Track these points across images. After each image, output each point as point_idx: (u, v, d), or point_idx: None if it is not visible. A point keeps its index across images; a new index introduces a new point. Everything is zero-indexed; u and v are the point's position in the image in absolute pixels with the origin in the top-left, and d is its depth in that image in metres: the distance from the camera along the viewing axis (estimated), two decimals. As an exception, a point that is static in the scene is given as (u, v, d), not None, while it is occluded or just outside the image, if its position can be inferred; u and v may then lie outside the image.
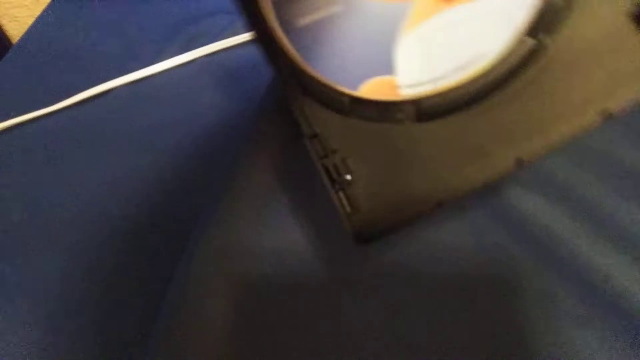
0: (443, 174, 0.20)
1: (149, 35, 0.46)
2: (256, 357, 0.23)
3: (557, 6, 0.20)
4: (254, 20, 0.20)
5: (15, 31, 0.72)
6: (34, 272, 0.28)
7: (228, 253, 0.26)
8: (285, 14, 0.19)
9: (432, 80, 0.20)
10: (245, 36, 0.43)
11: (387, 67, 0.20)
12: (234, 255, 0.26)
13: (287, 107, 0.21)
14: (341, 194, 0.20)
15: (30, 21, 0.52)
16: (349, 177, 0.20)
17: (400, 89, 0.20)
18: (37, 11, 0.53)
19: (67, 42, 0.47)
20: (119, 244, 0.28)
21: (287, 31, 0.20)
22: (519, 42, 0.20)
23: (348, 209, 0.20)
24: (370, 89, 0.20)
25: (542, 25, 0.20)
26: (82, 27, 0.49)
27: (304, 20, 0.20)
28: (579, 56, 0.20)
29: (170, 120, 0.36)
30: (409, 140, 0.20)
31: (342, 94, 0.20)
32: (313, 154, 0.20)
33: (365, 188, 0.20)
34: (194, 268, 0.25)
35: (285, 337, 0.23)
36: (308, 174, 0.30)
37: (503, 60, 0.20)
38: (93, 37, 0.47)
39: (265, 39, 0.20)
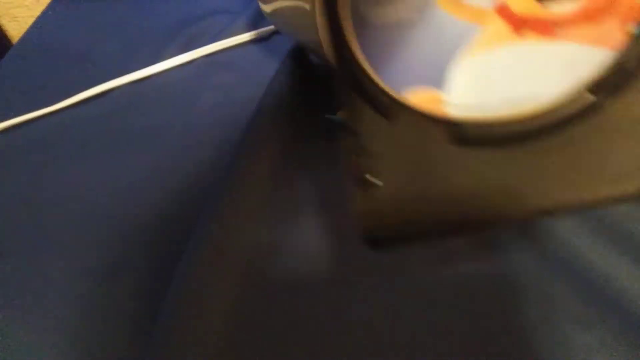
0: (467, 200, 0.20)
1: (149, 36, 0.46)
2: (256, 357, 0.23)
3: (626, 70, 0.19)
4: (329, 10, 0.20)
5: (15, 31, 0.72)
6: (34, 272, 0.28)
7: (228, 252, 0.26)
8: (359, 10, 0.20)
9: (480, 107, 0.20)
10: (245, 36, 0.43)
11: (438, 81, 0.20)
12: (233, 255, 0.26)
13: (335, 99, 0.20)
14: (362, 192, 0.20)
15: (30, 21, 0.52)
16: (374, 180, 0.20)
17: (446, 106, 0.20)
18: (37, 11, 0.53)
19: (67, 42, 0.47)
20: (119, 244, 0.28)
21: (357, 25, 0.19)
22: (578, 95, 0.19)
23: (365, 206, 0.20)
24: (416, 98, 0.20)
25: (606, 85, 0.19)
26: (82, 27, 0.49)
27: (376, 20, 0.20)
28: (634, 124, 0.19)
29: (170, 120, 0.36)
30: (443, 160, 0.20)
31: (385, 94, 0.20)
32: (346, 149, 0.20)
33: (388, 192, 0.20)
34: (194, 267, 0.25)
35: (286, 336, 0.23)
36: (308, 173, 0.30)
37: (557, 108, 0.19)
38: (93, 37, 0.47)
39: (334, 27, 0.20)
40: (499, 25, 0.19)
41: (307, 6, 0.29)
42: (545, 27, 0.19)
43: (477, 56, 0.20)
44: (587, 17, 0.19)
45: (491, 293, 0.23)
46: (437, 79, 0.20)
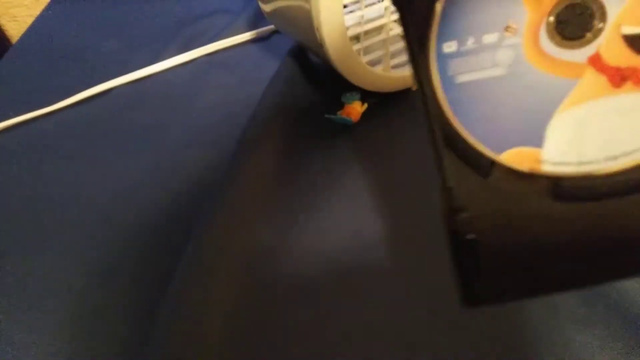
0: (570, 256, 0.20)
1: (149, 35, 0.46)
2: (256, 356, 0.23)
3: None
4: (417, 68, 0.20)
5: (15, 31, 0.72)
6: (34, 272, 0.28)
7: (228, 252, 0.26)
8: (447, 69, 0.19)
9: (578, 163, 0.19)
10: (245, 36, 0.44)
11: (535, 139, 0.19)
12: (233, 255, 0.26)
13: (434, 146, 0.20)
14: (462, 255, 0.20)
15: (29, 21, 0.52)
16: (472, 236, 0.20)
17: (543, 164, 0.19)
18: (37, 11, 0.53)
19: (66, 42, 0.47)
20: (119, 244, 0.28)
21: (445, 84, 0.19)
22: None
23: (468, 271, 0.20)
24: (512, 157, 0.20)
25: None
26: (82, 27, 0.49)
27: (465, 78, 0.19)
28: None
29: (170, 119, 0.36)
30: (540, 216, 0.20)
31: (484, 157, 0.20)
32: (441, 206, 0.20)
33: (487, 253, 0.20)
34: (194, 267, 0.25)
35: (285, 337, 0.23)
36: (308, 173, 0.30)
37: None
38: (92, 37, 0.47)
39: (422, 86, 0.20)
40: (594, 78, 0.19)
41: (307, 5, 0.29)
42: None
43: (573, 111, 0.19)
44: None
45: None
46: (533, 137, 0.19)
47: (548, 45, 0.19)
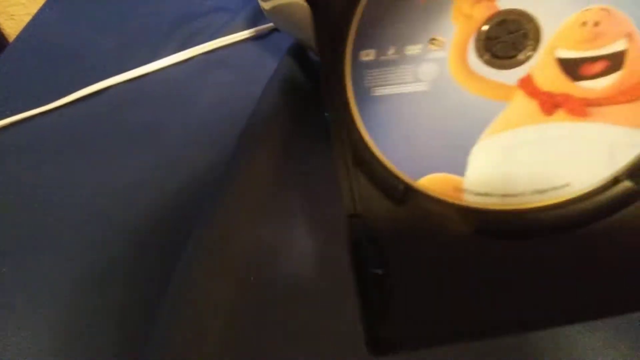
0: (489, 299, 0.17)
1: (147, 33, 0.46)
2: (256, 356, 0.23)
3: None
4: (331, 76, 0.17)
5: (12, 29, 0.71)
6: (32, 272, 0.28)
7: (227, 253, 0.25)
8: (364, 79, 0.17)
9: (503, 195, 0.18)
10: (244, 34, 0.43)
11: (456, 165, 0.18)
12: (233, 255, 0.26)
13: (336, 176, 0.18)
14: (368, 293, 0.17)
15: (27, 19, 0.51)
16: (379, 271, 0.17)
17: (464, 193, 0.18)
18: (34, 9, 0.53)
19: (63, 40, 0.47)
20: (117, 244, 0.28)
21: (360, 97, 0.17)
22: (614, 182, 0.17)
23: (372, 314, 0.17)
24: (431, 183, 0.18)
25: None
26: (79, 25, 0.49)
27: (383, 91, 0.17)
28: None
29: (168, 118, 0.36)
30: (461, 252, 0.18)
31: (399, 180, 0.18)
32: (347, 234, 0.18)
33: (398, 291, 0.18)
34: (193, 268, 0.24)
35: (286, 337, 0.23)
36: (307, 173, 0.30)
37: (589, 196, 0.17)
38: (89, 35, 0.47)
39: (333, 97, 0.17)
40: (524, 102, 0.17)
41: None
42: (576, 106, 0.17)
43: (500, 138, 0.17)
44: (624, 94, 0.17)
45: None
46: (455, 163, 0.18)
47: (476, 62, 0.17)
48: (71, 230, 0.29)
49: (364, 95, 0.18)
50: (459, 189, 0.18)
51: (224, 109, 0.36)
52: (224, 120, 0.35)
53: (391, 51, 0.17)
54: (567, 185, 0.17)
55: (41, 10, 0.52)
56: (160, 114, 0.37)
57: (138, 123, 0.36)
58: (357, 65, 0.17)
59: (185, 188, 0.30)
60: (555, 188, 0.18)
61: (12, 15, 0.71)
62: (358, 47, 0.17)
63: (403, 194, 0.18)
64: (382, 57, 0.17)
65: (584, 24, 0.17)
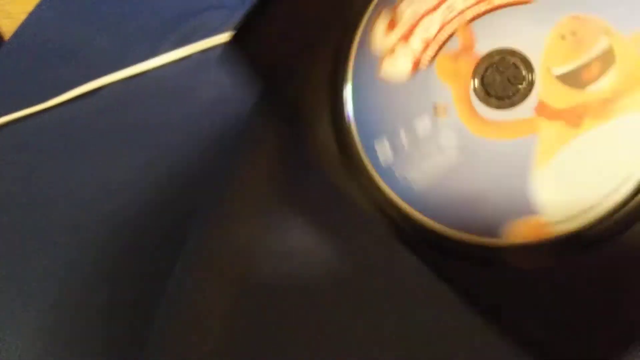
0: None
1: (144, 31, 0.46)
2: (256, 356, 0.23)
3: None
4: (365, 199, 0.18)
5: (9, 28, 0.71)
6: (29, 272, 0.28)
7: (226, 254, 0.25)
8: (393, 175, 0.18)
9: (585, 210, 0.17)
10: (242, 31, 0.43)
11: (527, 207, 0.18)
12: (232, 257, 0.25)
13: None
14: None
15: (23, 17, 0.51)
16: None
17: (550, 226, 0.18)
18: (31, 7, 0.53)
19: (60, 38, 0.47)
20: (114, 244, 0.28)
21: (404, 194, 0.18)
22: None
23: None
24: (514, 234, 0.18)
25: None
26: (76, 22, 0.49)
27: (422, 183, 0.18)
28: None
29: (165, 117, 0.36)
30: (570, 277, 0.18)
31: (487, 247, 0.18)
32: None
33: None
34: (192, 269, 0.24)
35: (285, 340, 0.23)
36: (307, 174, 0.30)
37: None
38: (86, 32, 0.47)
39: (384, 210, 0.18)
40: (551, 127, 0.17)
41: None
42: (598, 109, 0.17)
43: (549, 164, 0.17)
44: (629, 82, 0.17)
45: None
46: (525, 206, 0.18)
47: (487, 111, 0.18)
48: (66, 230, 0.29)
49: (405, 191, 0.18)
50: (543, 225, 0.18)
51: (222, 107, 0.36)
52: (222, 118, 0.35)
53: (403, 134, 0.18)
54: (634, 173, 0.17)
55: (37, 8, 0.52)
56: (157, 112, 0.37)
57: (135, 121, 0.36)
58: (380, 167, 0.18)
59: (182, 188, 0.30)
60: (624, 182, 0.17)
61: (9, 13, 0.70)
62: (370, 149, 0.18)
63: (494, 255, 0.18)
64: (397, 142, 0.18)
65: (563, 37, 0.17)
